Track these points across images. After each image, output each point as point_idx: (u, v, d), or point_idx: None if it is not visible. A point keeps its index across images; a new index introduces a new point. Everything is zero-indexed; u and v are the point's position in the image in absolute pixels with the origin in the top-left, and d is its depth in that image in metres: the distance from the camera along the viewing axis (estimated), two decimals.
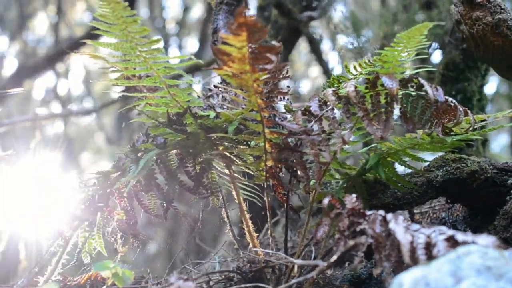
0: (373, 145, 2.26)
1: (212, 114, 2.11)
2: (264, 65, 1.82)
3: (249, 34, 1.69)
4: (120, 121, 10.78)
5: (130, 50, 2.00)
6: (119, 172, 2.26)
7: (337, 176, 2.35)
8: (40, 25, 12.20)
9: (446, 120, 2.05)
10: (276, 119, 2.08)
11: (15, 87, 8.55)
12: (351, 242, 1.62)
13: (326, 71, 5.84)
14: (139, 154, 2.23)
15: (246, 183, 2.42)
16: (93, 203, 2.29)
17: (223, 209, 2.33)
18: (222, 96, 2.23)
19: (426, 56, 2.06)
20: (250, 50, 1.74)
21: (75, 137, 11.75)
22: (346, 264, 2.52)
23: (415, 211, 2.74)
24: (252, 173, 2.26)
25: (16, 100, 10.97)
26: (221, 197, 2.34)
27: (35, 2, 11.15)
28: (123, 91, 2.51)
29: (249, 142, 2.22)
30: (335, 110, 2.01)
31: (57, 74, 10.73)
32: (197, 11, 11.79)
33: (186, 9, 11.74)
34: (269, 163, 2.08)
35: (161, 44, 1.96)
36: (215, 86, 2.25)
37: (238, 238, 2.28)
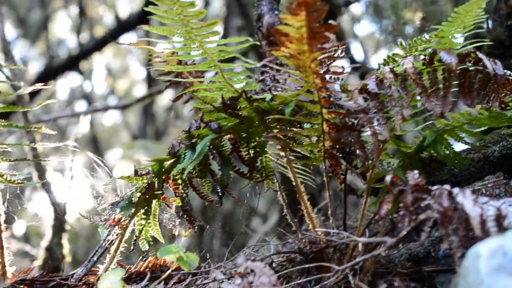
0: (429, 122, 2.24)
1: (268, 96, 2.11)
2: (322, 45, 1.82)
3: (308, 13, 1.68)
4: (145, 117, 10.84)
5: (185, 35, 2.00)
6: (174, 159, 2.27)
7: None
8: (62, 26, 12.29)
9: (503, 95, 2.03)
10: (331, 99, 2.07)
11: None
12: (422, 216, 1.61)
13: (349, 56, 5.84)
14: (193, 140, 2.23)
15: (298, 166, 2.42)
16: (149, 190, 2.30)
17: (278, 192, 2.33)
18: (275, 79, 2.22)
19: (483, 30, 2.04)
20: (308, 29, 1.74)
21: (100, 136, 11.83)
22: (400, 245, 2.50)
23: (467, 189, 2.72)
24: (308, 155, 2.26)
25: (40, 100, 11.03)
26: (275, 180, 2.34)
27: (56, 3, 11.22)
28: (169, 80, 2.52)
29: (302, 124, 2.22)
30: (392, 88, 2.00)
31: (81, 73, 10.79)
32: (217, 5, 11.80)
33: (206, 4, 11.74)
34: (327, 144, 2.08)
35: (217, 27, 1.95)
36: (267, 68, 2.25)
37: (295, 220, 2.28)
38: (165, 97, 10.95)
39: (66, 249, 4.14)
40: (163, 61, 2.41)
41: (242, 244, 4.72)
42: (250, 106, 2.12)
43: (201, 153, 2.13)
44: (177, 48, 2.11)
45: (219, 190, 2.30)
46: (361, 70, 5.54)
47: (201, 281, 2.15)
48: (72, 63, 9.06)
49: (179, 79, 2.31)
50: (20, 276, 2.17)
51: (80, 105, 11.44)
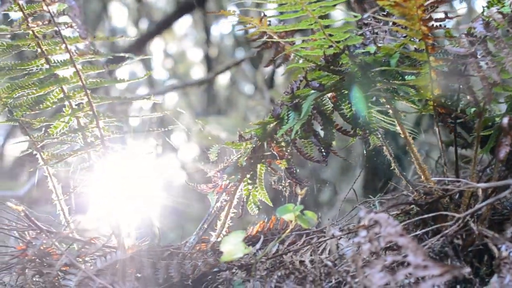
0: None
1: (372, 49, 2.08)
2: None
3: None
4: (207, 98, 10.90)
5: None
6: (277, 121, 2.27)
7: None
8: (119, 14, 12.43)
9: None
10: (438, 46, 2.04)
11: (107, 75, 8.71)
12: None
13: None
14: (295, 101, 2.23)
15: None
16: (254, 154, 2.31)
17: (384, 147, 2.31)
18: (374, 32, 2.19)
19: None
20: None
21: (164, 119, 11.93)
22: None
23: None
24: (412, 106, 2.24)
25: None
26: (380, 135, 2.32)
27: None
28: (264, 41, 2.53)
29: (404, 76, 2.19)
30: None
31: (142, 58, 10.87)
32: None
33: None
34: (436, 92, 2.05)
35: None
36: (369, 19, 2.21)
37: (404, 174, 2.26)
38: (226, 77, 11.01)
39: (157, 225, 4.19)
40: (253, 26, 2.41)
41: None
42: (352, 61, 2.10)
43: (306, 112, 2.12)
44: (275, 8, 2.10)
45: (323, 150, 2.29)
46: None
47: (317, 240, 2.15)
48: (134, 48, 9.12)
49: (276, 39, 2.31)
50: (137, 247, 2.22)
51: (143, 90, 11.55)
